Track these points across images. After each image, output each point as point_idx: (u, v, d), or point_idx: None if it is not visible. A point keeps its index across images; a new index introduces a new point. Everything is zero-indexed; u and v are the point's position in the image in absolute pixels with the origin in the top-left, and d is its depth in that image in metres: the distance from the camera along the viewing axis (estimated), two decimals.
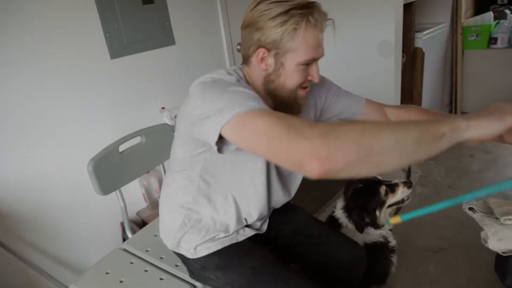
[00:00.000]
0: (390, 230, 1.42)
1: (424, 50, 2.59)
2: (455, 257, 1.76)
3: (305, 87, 0.91)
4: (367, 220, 1.29)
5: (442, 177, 2.45)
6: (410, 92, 2.69)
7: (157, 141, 1.42)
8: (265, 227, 1.12)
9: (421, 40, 2.63)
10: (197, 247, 1.01)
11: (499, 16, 3.03)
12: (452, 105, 3.35)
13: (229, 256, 1.01)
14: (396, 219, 1.24)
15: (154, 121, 1.58)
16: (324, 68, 2.60)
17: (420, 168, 2.58)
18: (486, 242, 1.03)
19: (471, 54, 3.11)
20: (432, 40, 2.78)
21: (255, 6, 0.83)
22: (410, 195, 1.36)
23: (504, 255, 1.21)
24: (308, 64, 0.87)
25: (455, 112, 3.30)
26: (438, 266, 1.73)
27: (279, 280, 0.96)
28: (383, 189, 1.30)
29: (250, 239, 1.06)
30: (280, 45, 0.82)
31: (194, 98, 0.80)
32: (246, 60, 0.91)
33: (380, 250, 1.35)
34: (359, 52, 2.43)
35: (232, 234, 1.02)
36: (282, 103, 0.91)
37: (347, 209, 1.35)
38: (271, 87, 0.89)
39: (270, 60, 0.85)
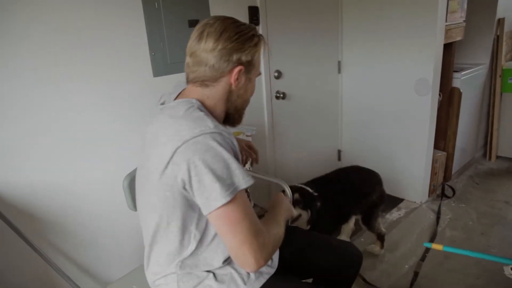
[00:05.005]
0: None
1: (461, 90, 2.55)
2: None
3: None
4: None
5: (474, 222, 2.35)
6: (444, 131, 2.64)
7: None
8: (276, 261, 1.06)
9: (459, 80, 2.59)
10: None
11: None
12: (487, 147, 3.24)
13: None
14: (438, 246, 1.28)
15: None
16: (363, 101, 2.55)
17: (451, 210, 2.49)
18: None
19: (510, 97, 3.03)
20: (470, 80, 2.74)
21: (224, 29, 0.86)
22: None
23: None
24: None
25: (490, 155, 3.20)
26: None
27: None
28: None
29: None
30: (252, 63, 0.90)
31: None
32: (211, 81, 0.89)
33: None
34: (396, 88, 2.42)
35: (253, 280, 0.97)
36: (238, 115, 0.98)
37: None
38: (238, 103, 0.94)
39: (242, 77, 0.90)
